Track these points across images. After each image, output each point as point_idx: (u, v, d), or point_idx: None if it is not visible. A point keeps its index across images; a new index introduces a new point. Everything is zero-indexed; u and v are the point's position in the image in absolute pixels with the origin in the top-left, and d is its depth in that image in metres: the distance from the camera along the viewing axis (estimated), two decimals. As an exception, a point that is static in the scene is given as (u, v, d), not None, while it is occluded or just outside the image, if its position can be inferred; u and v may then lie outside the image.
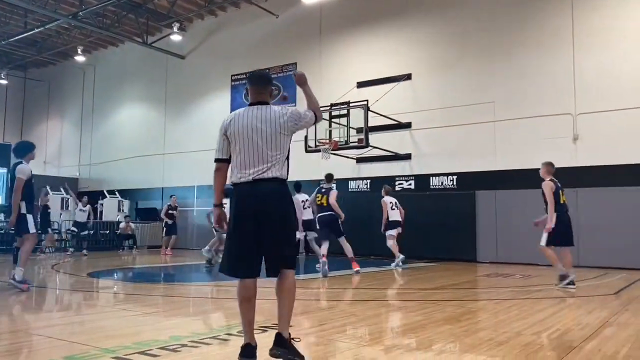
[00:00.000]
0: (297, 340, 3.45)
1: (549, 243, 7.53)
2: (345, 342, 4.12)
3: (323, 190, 10.12)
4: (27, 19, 18.75)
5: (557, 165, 12.39)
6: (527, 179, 12.84)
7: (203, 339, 4.09)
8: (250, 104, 3.56)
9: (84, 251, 15.41)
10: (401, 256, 11.34)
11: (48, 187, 19.00)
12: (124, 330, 4.62)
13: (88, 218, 15.71)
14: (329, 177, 10.60)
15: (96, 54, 23.00)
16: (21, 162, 7.33)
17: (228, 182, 3.54)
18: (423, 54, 15.02)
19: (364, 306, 5.97)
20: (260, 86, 3.62)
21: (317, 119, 3.68)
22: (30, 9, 17.08)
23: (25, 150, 7.54)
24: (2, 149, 24.70)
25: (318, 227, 10.21)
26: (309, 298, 6.68)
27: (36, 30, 18.50)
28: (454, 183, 14.14)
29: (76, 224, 15.76)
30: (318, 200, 10.06)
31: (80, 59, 21.57)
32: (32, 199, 7.39)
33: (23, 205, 7.21)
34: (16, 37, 19.18)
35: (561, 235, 7.56)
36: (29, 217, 7.24)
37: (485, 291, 7.57)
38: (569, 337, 4.27)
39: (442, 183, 14.35)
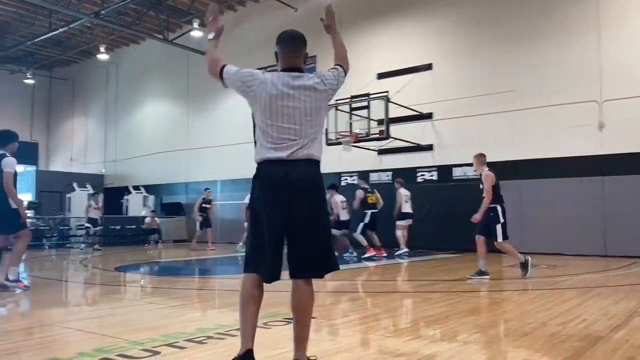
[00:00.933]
0: (314, 358, 3.10)
1: (505, 237, 7.30)
2: (369, 333, 4.14)
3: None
4: (51, 19, 19.07)
5: (582, 154, 12.36)
6: (550, 168, 12.69)
7: (228, 330, 4.15)
8: (283, 70, 3.03)
9: (96, 246, 15.52)
10: (405, 249, 11.94)
11: (77, 184, 19.42)
12: (151, 323, 4.71)
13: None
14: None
15: (118, 52, 23.31)
16: (4, 154, 6.47)
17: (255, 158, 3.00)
18: (443, 43, 14.87)
19: (387, 298, 5.98)
20: (295, 48, 3.09)
21: (346, 72, 3.23)
22: (54, 9, 17.37)
23: (8, 139, 6.66)
24: (30, 147, 25.26)
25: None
26: (332, 290, 6.71)
27: (60, 30, 18.80)
28: (477, 173, 13.97)
29: (90, 220, 15.81)
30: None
31: (103, 57, 21.87)
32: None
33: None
34: (41, 37, 19.52)
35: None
36: (21, 213, 6.60)
37: (510, 282, 7.50)
38: (596, 327, 4.21)
39: (464, 173, 14.22)
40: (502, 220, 7.29)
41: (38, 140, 26.31)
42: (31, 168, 24.09)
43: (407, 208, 12.14)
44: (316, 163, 2.95)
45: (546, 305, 5.27)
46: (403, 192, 12.39)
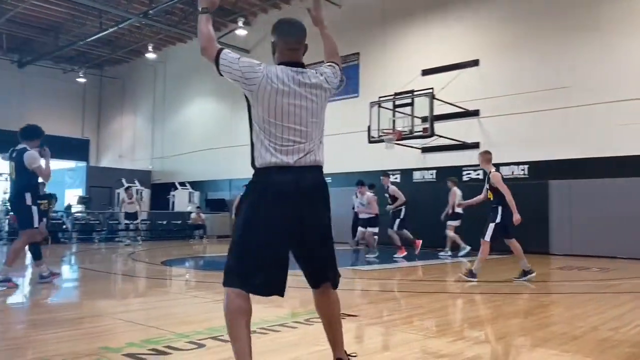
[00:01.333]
0: (354, 355, 3.05)
1: (508, 237, 7.11)
2: (412, 333, 4.09)
3: None
4: (102, 20, 19.67)
5: (639, 153, 11.84)
6: (603, 167, 12.23)
7: (272, 326, 4.18)
8: (283, 64, 2.72)
9: (127, 241, 15.67)
10: (467, 247, 11.52)
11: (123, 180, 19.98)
12: (196, 316, 4.80)
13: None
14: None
15: (166, 51, 23.84)
16: (26, 148, 6.45)
17: (256, 163, 2.66)
18: (491, 38, 14.55)
19: (430, 298, 5.89)
20: (298, 39, 2.79)
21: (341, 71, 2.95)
22: (105, 9, 17.92)
23: (35, 134, 6.64)
24: (81, 144, 26.21)
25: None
26: (374, 289, 6.67)
27: (110, 30, 19.37)
28: (525, 172, 13.65)
29: (127, 215, 16.03)
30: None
31: (151, 56, 22.40)
32: (37, 191, 6.82)
33: (29, 196, 6.45)
34: (92, 38, 20.17)
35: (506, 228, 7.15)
36: (34, 210, 6.47)
37: (558, 284, 7.29)
38: (652, 333, 4.04)
39: (512, 172, 13.88)
40: (498, 220, 7.02)
41: (89, 137, 27.22)
42: (82, 164, 24.97)
43: (459, 208, 11.63)
44: (322, 170, 2.72)
45: (598, 309, 5.09)
46: (458, 192, 12.08)
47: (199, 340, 3.71)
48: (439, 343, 3.75)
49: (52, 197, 13.78)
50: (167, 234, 18.77)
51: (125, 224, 16.30)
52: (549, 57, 13.35)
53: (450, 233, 11.96)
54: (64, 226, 17.27)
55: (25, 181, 6.48)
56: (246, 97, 2.72)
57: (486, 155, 7.69)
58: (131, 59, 25.35)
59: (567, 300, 5.71)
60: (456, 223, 11.97)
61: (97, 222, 18.16)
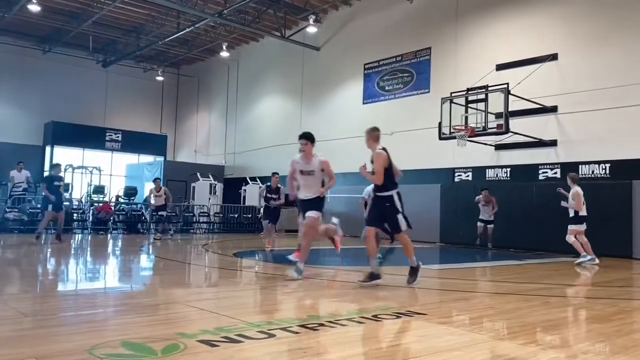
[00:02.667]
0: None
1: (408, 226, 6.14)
2: (481, 334, 4.00)
3: None
4: (179, 20, 20.48)
5: None
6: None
7: (339, 319, 4.22)
8: None
9: (158, 235, 14.86)
10: (589, 256, 9.98)
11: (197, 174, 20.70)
12: (266, 307, 4.93)
13: (166, 202, 14.98)
14: None
15: (239, 49, 24.47)
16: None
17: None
18: (571, 31, 13.87)
19: (503, 299, 5.73)
20: None
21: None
22: (182, 10, 18.64)
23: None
24: (160, 139, 27.41)
25: None
26: (445, 288, 6.57)
27: (187, 29, 20.12)
28: (607, 172, 12.94)
29: (157, 208, 15.05)
30: None
31: (224, 54, 23.07)
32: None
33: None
34: (170, 37, 21.04)
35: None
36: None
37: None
38: None
39: (592, 172, 13.21)
40: (400, 209, 6.11)
41: (167, 133, 28.42)
42: (160, 159, 26.10)
43: (584, 210, 10.09)
44: None
45: (686, 318, 4.77)
46: (580, 191, 10.13)
47: (270, 330, 3.81)
48: (509, 345, 3.65)
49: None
50: (239, 227, 19.29)
51: (158, 216, 15.21)
52: (632, 50, 12.57)
53: (571, 238, 10.13)
54: (143, 217, 18.13)
55: None
56: None
57: (373, 132, 6.43)
58: (206, 58, 26.20)
59: (651, 307, 5.38)
60: (581, 228, 10.18)
61: (173, 214, 18.92)
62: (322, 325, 4.02)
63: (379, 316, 4.36)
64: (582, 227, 10.17)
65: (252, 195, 21.59)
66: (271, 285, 6.51)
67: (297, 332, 3.77)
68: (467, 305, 5.44)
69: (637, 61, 12.48)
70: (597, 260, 9.92)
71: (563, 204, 10.35)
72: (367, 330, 3.95)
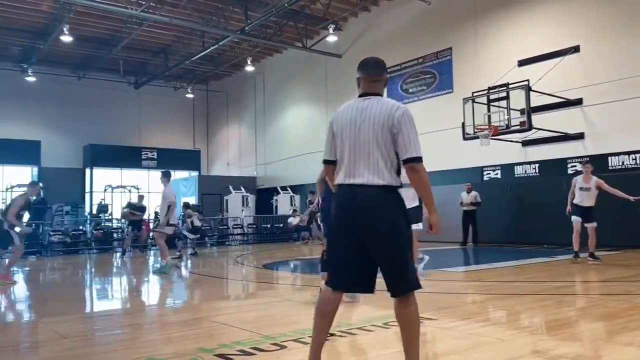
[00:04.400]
0: None
1: None
2: (485, 336, 4.15)
3: None
4: (204, 39, 21.07)
5: None
6: None
7: (350, 329, 4.43)
8: (359, 96, 3.10)
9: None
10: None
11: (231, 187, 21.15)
12: (285, 318, 5.17)
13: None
14: None
15: (264, 62, 24.94)
16: None
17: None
18: (592, 22, 13.69)
19: (517, 300, 5.82)
20: (372, 74, 3.10)
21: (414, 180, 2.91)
22: (206, 30, 19.21)
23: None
24: (193, 155, 28.16)
25: None
26: (462, 291, 6.69)
27: (212, 47, 20.68)
28: (637, 162, 12.71)
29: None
30: None
31: (250, 68, 23.57)
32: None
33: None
34: (197, 56, 21.66)
35: None
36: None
37: (666, 284, 6.82)
38: None
39: (622, 163, 12.99)
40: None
41: (200, 148, 29.15)
42: (195, 174, 26.80)
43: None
44: (387, 188, 2.95)
45: (700, 311, 4.78)
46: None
47: (283, 342, 4.06)
48: (509, 347, 3.79)
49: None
50: (272, 237, 19.66)
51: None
52: (658, 37, 12.34)
53: None
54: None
55: None
56: None
57: None
58: (233, 73, 26.79)
59: (668, 302, 5.38)
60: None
61: (209, 227, 19.44)
62: (333, 335, 4.24)
63: (389, 324, 4.56)
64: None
65: (284, 204, 21.97)
66: (295, 296, 6.76)
67: (307, 343, 3.99)
68: (478, 307, 5.57)
69: (662, 47, 12.25)
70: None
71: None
72: (375, 338, 4.16)
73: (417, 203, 7.70)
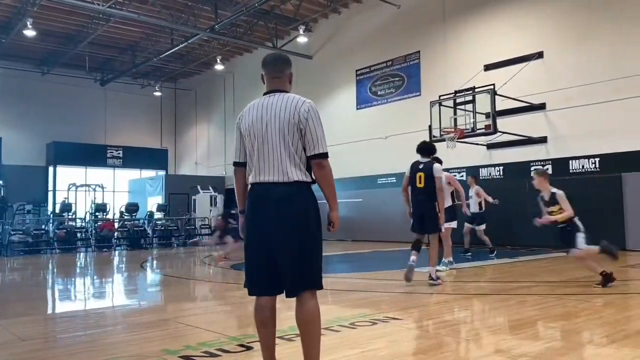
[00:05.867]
0: None
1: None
2: (447, 337, 4.23)
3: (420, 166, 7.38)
4: (172, 37, 20.82)
5: None
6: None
7: (316, 330, 4.44)
8: (264, 93, 3.06)
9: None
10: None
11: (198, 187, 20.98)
12: (251, 319, 5.15)
13: None
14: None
15: (233, 61, 24.79)
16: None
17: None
18: (555, 28, 14.08)
19: (480, 300, 5.95)
20: (272, 70, 3.06)
21: (319, 176, 2.93)
22: (175, 28, 18.98)
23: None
24: (161, 154, 27.80)
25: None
26: (428, 291, 6.78)
27: (181, 45, 20.44)
28: (597, 166, 13.11)
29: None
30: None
31: (219, 67, 23.39)
32: None
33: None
34: (165, 54, 21.38)
35: None
36: None
37: (621, 284, 7.03)
38: (700, 336, 3.94)
39: (582, 166, 13.39)
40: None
41: (167, 147, 28.77)
42: (162, 173, 26.44)
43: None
44: (300, 184, 2.96)
45: (653, 310, 4.97)
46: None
47: (249, 343, 4.05)
48: (471, 347, 3.88)
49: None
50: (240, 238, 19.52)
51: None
52: (616, 44, 12.76)
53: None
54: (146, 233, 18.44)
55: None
56: None
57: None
58: (202, 71, 26.55)
59: (622, 302, 5.58)
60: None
61: (175, 227, 19.23)
62: (299, 335, 4.25)
63: (355, 324, 4.60)
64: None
65: (203, 205, 21.58)
66: (262, 297, 6.74)
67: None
68: (442, 308, 5.67)
69: (622, 55, 12.66)
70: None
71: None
72: (340, 339, 4.19)
73: (450, 203, 8.31)
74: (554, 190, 6.58)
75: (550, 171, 13.91)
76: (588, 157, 13.28)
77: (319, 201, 2.98)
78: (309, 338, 2.88)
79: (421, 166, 7.21)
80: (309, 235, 2.88)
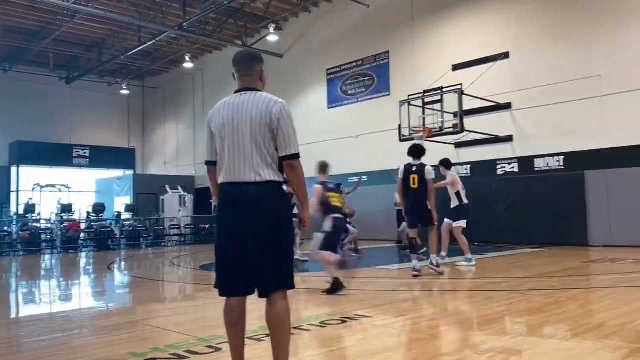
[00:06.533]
0: None
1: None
2: (416, 334, 4.28)
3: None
4: (140, 34, 20.47)
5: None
6: (641, 155, 11.92)
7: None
8: (235, 91, 3.03)
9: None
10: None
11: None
12: (222, 320, 5.11)
13: None
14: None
15: (203, 59, 24.54)
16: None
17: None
18: (520, 30, 14.37)
19: (449, 297, 6.04)
20: (242, 68, 3.03)
21: (290, 179, 2.94)
22: (142, 25, 18.68)
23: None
24: (129, 153, 27.33)
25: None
26: (397, 288, 6.86)
27: (149, 43, 20.12)
28: (561, 164, 13.45)
29: None
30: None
31: (188, 65, 23.12)
32: None
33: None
34: (133, 51, 21.00)
35: None
36: None
37: (584, 279, 7.26)
38: (658, 329, 4.08)
39: (547, 164, 13.71)
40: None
41: (135, 146, 28.31)
42: (129, 172, 26.00)
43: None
44: (271, 184, 2.94)
45: (613, 304, 5.12)
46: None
47: (217, 344, 4.02)
48: (436, 344, 3.93)
49: None
50: (210, 238, 19.35)
51: None
52: (581, 46, 13.10)
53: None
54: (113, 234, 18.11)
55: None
56: None
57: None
58: (170, 69, 26.21)
59: (585, 297, 5.74)
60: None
61: (144, 228, 18.94)
62: (268, 336, 4.24)
63: (325, 322, 4.61)
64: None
65: (172, 205, 21.32)
66: (232, 297, 6.69)
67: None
68: (412, 305, 5.73)
69: (586, 56, 12.99)
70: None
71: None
72: (310, 338, 4.19)
73: (457, 203, 8.93)
74: None
75: (516, 169, 14.25)
76: (553, 155, 13.60)
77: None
78: (280, 337, 2.88)
79: (414, 169, 7.68)
80: (281, 235, 2.86)
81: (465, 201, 9.15)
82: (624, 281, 6.64)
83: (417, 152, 7.93)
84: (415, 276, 7.39)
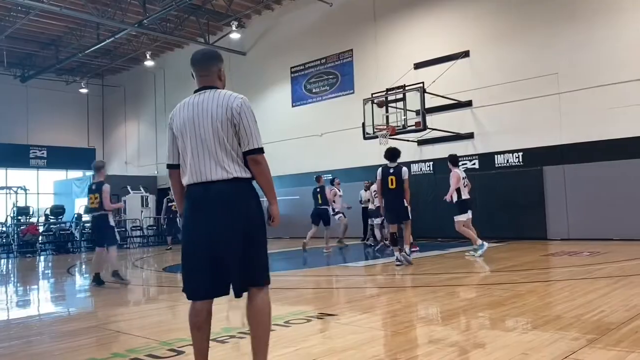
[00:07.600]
0: None
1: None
2: (380, 330, 4.31)
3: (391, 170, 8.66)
4: (99, 31, 19.97)
5: (630, 135, 11.89)
6: (597, 151, 12.32)
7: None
8: (195, 91, 2.97)
9: None
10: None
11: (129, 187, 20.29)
12: (185, 323, 5.01)
13: None
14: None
15: (164, 57, 24.13)
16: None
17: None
18: (480, 29, 14.65)
19: (413, 293, 6.11)
20: (199, 68, 2.98)
21: (256, 172, 2.88)
22: (101, 22, 18.23)
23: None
24: (89, 153, 26.63)
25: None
26: (363, 285, 6.90)
27: (108, 40, 19.65)
28: (520, 160, 13.78)
29: None
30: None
31: (149, 63, 22.69)
32: None
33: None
34: (91, 49, 20.47)
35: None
36: None
37: (542, 272, 7.45)
38: (611, 319, 4.22)
39: (507, 161, 14.03)
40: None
41: (95, 146, 27.64)
42: (89, 173, 25.32)
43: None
44: (239, 180, 2.92)
45: (570, 296, 5.27)
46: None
47: (180, 347, 3.96)
48: (401, 340, 3.96)
49: None
50: (174, 239, 19.05)
51: None
52: (538, 46, 13.46)
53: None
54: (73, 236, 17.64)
55: None
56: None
57: None
58: (131, 67, 25.68)
59: (543, 289, 5.89)
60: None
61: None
62: (232, 337, 4.21)
63: (290, 322, 4.60)
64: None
65: (133, 207, 20.99)
66: (196, 299, 6.60)
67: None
68: (376, 301, 5.77)
69: (542, 55, 13.34)
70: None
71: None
72: (275, 338, 4.16)
73: (460, 197, 9.45)
74: None
75: (477, 166, 14.53)
76: (512, 151, 13.92)
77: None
78: (261, 328, 2.84)
79: (392, 170, 8.60)
80: (254, 231, 2.83)
81: (465, 196, 9.66)
82: (580, 273, 6.85)
83: (393, 155, 8.80)
84: (398, 266, 8.26)
